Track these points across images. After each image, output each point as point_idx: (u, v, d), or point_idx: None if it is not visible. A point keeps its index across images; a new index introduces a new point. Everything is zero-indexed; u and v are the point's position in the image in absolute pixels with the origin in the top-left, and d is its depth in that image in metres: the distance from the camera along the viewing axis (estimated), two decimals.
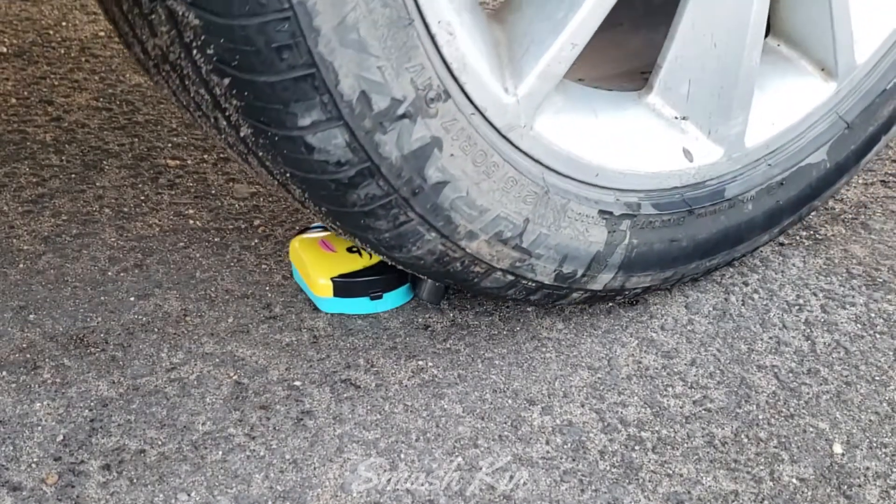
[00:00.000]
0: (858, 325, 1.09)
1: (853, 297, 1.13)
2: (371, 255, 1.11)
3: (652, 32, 1.17)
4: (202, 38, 0.72)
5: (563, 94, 0.95)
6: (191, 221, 1.22)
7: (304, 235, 1.14)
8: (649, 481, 0.90)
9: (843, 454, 0.94)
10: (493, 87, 0.85)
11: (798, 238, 1.22)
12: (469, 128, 0.85)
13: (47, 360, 1.02)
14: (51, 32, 1.63)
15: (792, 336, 1.08)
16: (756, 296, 1.13)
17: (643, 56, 1.14)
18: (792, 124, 1.09)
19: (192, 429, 0.94)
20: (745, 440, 0.95)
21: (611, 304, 1.11)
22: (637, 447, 0.94)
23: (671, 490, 0.90)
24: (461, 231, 0.90)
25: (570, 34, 0.87)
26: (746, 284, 1.15)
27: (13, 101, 1.46)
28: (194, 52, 0.73)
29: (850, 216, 1.26)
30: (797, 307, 1.12)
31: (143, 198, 1.26)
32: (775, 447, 0.94)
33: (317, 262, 1.10)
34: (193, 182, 1.29)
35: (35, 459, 0.90)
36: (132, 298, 1.10)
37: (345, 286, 1.08)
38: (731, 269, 1.17)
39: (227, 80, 0.74)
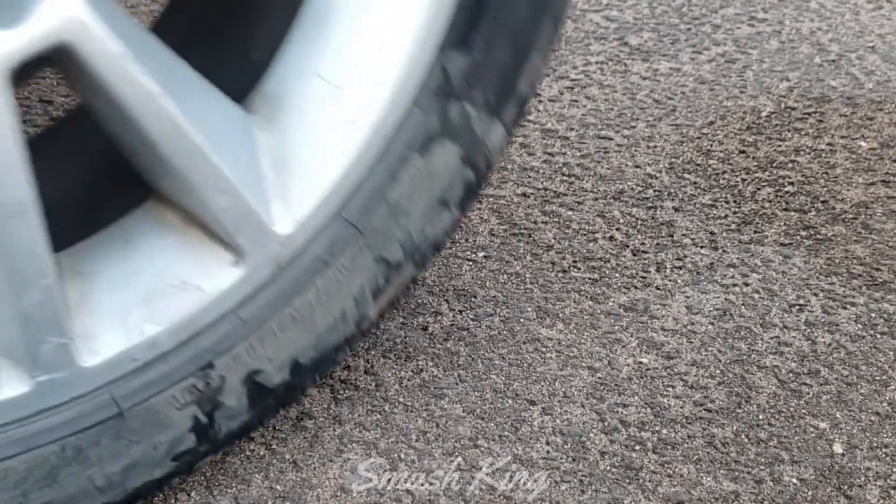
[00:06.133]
0: (859, 325, 1.09)
1: (854, 297, 1.13)
2: None
3: None
4: None
5: None
6: None
7: None
8: (649, 482, 0.90)
9: (843, 454, 0.94)
10: None
11: (799, 238, 1.22)
12: None
13: None
14: None
15: (793, 336, 1.08)
16: (757, 296, 1.13)
17: None
18: None
19: None
20: (746, 441, 0.95)
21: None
22: (637, 447, 0.94)
23: (671, 490, 0.90)
24: None
25: None
26: (747, 284, 1.15)
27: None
28: None
29: (851, 216, 1.26)
30: (798, 307, 1.11)
31: None
32: (776, 448, 0.94)
33: None
34: None
35: None
36: None
37: None
38: (731, 269, 1.17)
39: None
